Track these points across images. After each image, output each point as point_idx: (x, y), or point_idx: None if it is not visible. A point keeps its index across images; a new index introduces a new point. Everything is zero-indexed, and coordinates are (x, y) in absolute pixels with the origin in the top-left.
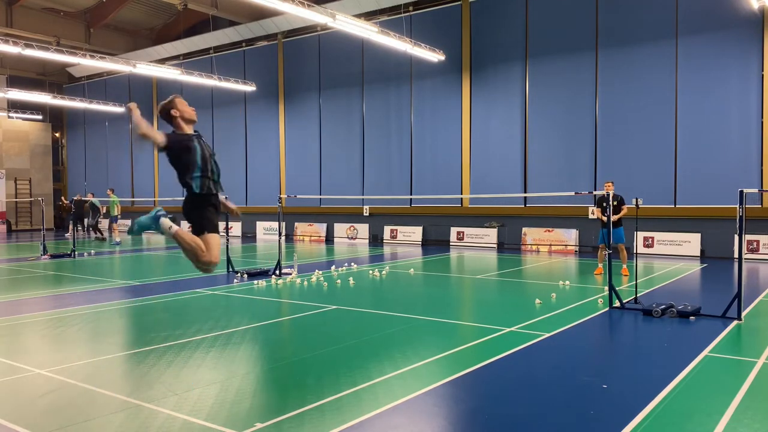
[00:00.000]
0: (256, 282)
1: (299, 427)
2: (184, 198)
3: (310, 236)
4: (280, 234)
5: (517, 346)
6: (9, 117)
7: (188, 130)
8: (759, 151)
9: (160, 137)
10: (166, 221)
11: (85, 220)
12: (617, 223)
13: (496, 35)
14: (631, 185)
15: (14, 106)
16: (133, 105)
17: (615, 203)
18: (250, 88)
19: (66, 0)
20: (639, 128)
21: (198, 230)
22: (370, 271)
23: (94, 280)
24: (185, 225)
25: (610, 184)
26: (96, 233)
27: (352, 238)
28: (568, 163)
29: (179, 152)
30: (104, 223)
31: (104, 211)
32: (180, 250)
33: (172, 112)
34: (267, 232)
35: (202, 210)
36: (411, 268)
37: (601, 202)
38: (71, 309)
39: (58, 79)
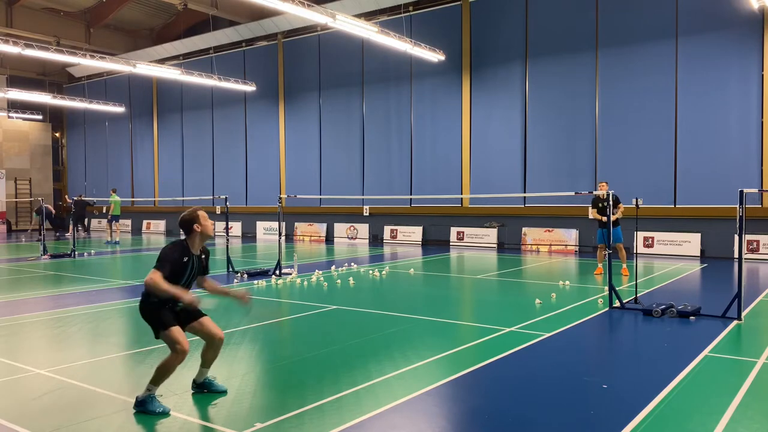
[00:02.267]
0: (256, 282)
1: (299, 427)
2: (141, 299)
3: (310, 236)
4: (280, 234)
5: (517, 346)
6: (9, 117)
7: (199, 247)
8: (759, 151)
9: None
10: (142, 394)
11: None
12: (614, 223)
13: (496, 35)
14: (631, 185)
15: (14, 106)
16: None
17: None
18: (250, 88)
19: (66, 0)
20: (639, 128)
21: (161, 326)
22: (370, 271)
23: (94, 280)
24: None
25: (604, 184)
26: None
27: (352, 238)
28: (568, 163)
29: (170, 272)
30: (103, 223)
31: (104, 210)
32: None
33: (195, 227)
34: (267, 232)
35: (160, 310)
36: (411, 268)
37: (596, 202)
38: (71, 309)
39: (58, 79)
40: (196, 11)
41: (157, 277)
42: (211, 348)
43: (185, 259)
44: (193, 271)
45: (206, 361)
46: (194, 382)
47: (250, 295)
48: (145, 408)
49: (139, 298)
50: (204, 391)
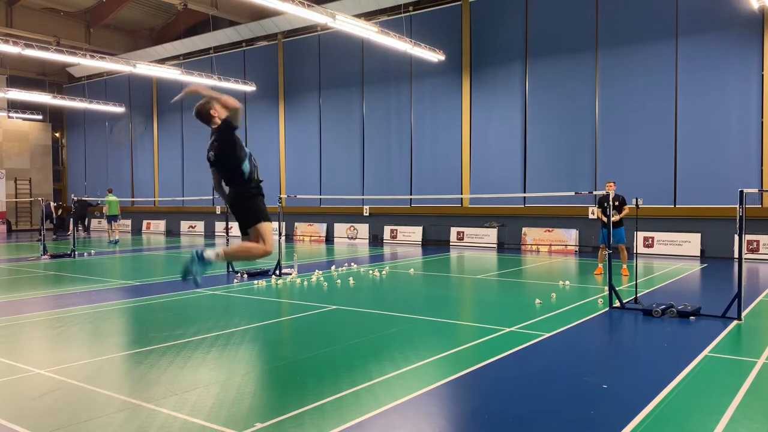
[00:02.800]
0: (256, 282)
1: (299, 427)
2: (230, 193)
3: (310, 236)
4: (280, 234)
5: (517, 346)
6: (9, 117)
7: (234, 119)
8: (759, 151)
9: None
10: (209, 253)
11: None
12: (618, 224)
13: (496, 35)
14: (631, 185)
15: (14, 106)
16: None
17: (617, 203)
18: (250, 88)
19: (66, 0)
20: (639, 128)
21: (254, 220)
22: (370, 271)
23: (94, 280)
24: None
25: (611, 183)
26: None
27: (352, 238)
28: (568, 163)
29: (233, 139)
30: (103, 223)
31: (104, 210)
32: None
33: (212, 112)
34: None
35: (253, 199)
36: (411, 268)
37: (602, 202)
38: (71, 309)
39: (58, 79)
40: (196, 11)
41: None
42: (251, 255)
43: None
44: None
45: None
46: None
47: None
48: (192, 265)
49: (232, 191)
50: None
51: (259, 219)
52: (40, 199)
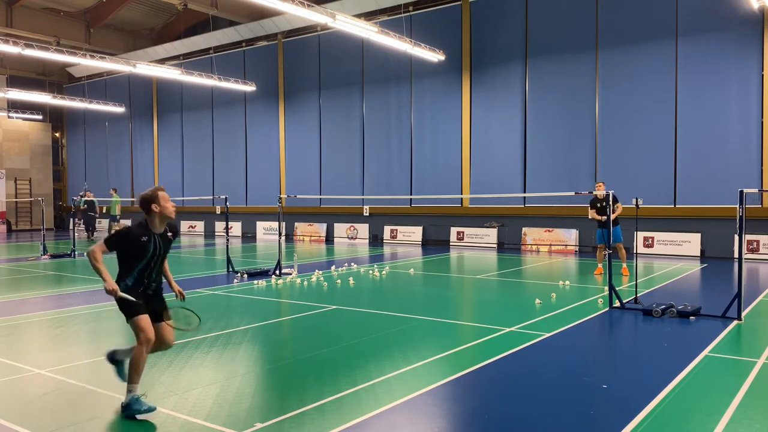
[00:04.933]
0: (256, 282)
1: (299, 427)
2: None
3: (310, 236)
4: (280, 234)
5: (517, 346)
6: (9, 117)
7: (160, 228)
8: (759, 151)
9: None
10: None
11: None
12: (614, 222)
13: (496, 35)
14: (631, 185)
15: (14, 106)
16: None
17: (605, 204)
18: (250, 88)
19: (66, 0)
20: (639, 128)
21: (129, 313)
22: (370, 271)
23: (94, 280)
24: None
25: (601, 184)
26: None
27: (352, 238)
28: (568, 163)
29: (127, 251)
30: (103, 223)
31: (104, 210)
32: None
33: (153, 206)
34: (267, 232)
35: (130, 295)
36: (411, 268)
37: (594, 202)
38: (71, 309)
39: (58, 79)
40: (196, 11)
41: (97, 249)
42: (158, 349)
43: (144, 239)
44: (157, 250)
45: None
46: (114, 354)
47: (184, 295)
48: (131, 411)
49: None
50: (111, 364)
51: (134, 313)
52: (40, 199)
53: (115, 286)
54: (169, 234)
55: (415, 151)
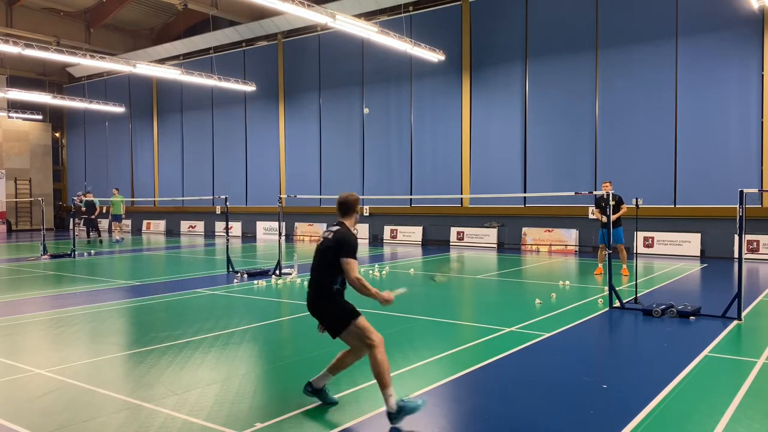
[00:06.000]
0: (256, 282)
1: (299, 427)
2: (320, 296)
3: (310, 236)
4: (280, 234)
5: (517, 346)
6: (9, 117)
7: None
8: (759, 151)
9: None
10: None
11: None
12: (616, 223)
13: (496, 35)
14: (631, 185)
15: (14, 106)
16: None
17: (613, 203)
18: (250, 88)
19: (66, 0)
20: (639, 128)
21: (350, 317)
22: (370, 271)
23: (94, 280)
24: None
25: (608, 183)
26: (93, 232)
27: None
28: (568, 163)
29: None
30: (103, 223)
31: (105, 210)
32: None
33: (358, 209)
34: (267, 232)
35: (342, 299)
36: (411, 268)
37: (599, 202)
38: (71, 309)
39: (58, 79)
40: (196, 11)
41: (361, 277)
42: (354, 355)
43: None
44: None
45: (336, 368)
46: (311, 384)
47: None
48: (404, 413)
49: (313, 292)
50: (316, 397)
51: (354, 315)
52: (40, 199)
53: (391, 295)
54: None
55: (415, 151)
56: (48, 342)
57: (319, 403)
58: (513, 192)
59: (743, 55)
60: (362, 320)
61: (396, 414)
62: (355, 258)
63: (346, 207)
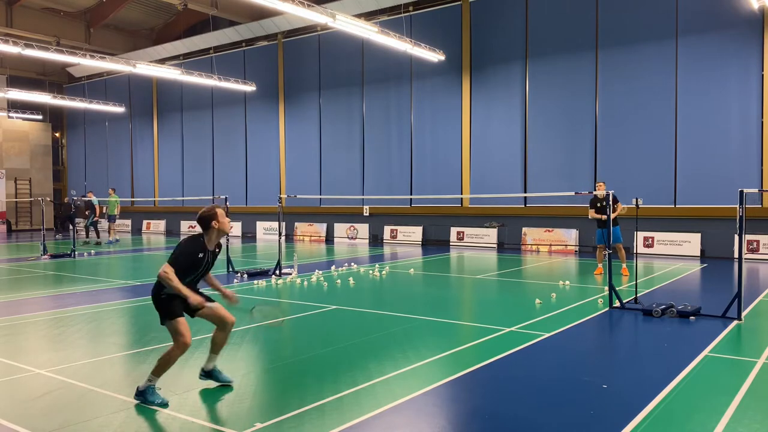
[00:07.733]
0: (256, 282)
1: (299, 427)
2: (154, 286)
3: (310, 236)
4: (280, 234)
5: (517, 346)
6: (9, 117)
7: (215, 243)
8: (759, 151)
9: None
10: (142, 384)
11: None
12: (613, 223)
13: (496, 35)
14: (631, 185)
15: (14, 106)
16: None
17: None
18: (250, 88)
19: (66, 0)
20: (639, 128)
21: (168, 316)
22: (370, 271)
23: (94, 280)
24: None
25: (602, 184)
26: (93, 233)
27: (352, 238)
28: (568, 163)
29: (182, 265)
30: (103, 223)
31: (103, 210)
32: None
33: (213, 223)
34: (267, 232)
35: (171, 299)
36: (411, 268)
37: (594, 202)
38: (71, 309)
39: (58, 79)
40: (196, 11)
41: (170, 271)
42: (222, 331)
43: (200, 255)
44: (206, 266)
45: (215, 346)
46: (202, 369)
47: (238, 297)
48: (145, 398)
49: (152, 288)
50: (210, 380)
51: (173, 315)
52: (40, 199)
53: (201, 299)
54: (217, 249)
55: (415, 151)
56: (48, 342)
57: (319, 402)
58: (513, 192)
59: (743, 55)
60: (177, 322)
61: (139, 393)
62: (172, 263)
63: (201, 224)
